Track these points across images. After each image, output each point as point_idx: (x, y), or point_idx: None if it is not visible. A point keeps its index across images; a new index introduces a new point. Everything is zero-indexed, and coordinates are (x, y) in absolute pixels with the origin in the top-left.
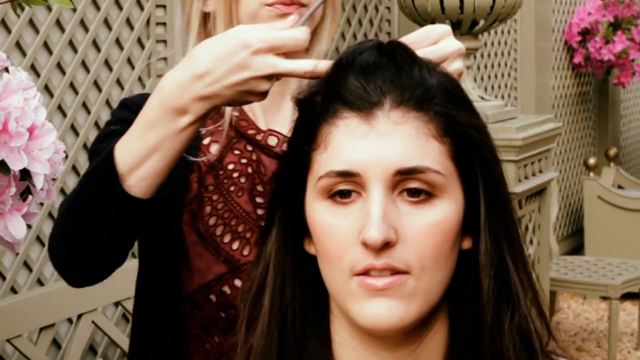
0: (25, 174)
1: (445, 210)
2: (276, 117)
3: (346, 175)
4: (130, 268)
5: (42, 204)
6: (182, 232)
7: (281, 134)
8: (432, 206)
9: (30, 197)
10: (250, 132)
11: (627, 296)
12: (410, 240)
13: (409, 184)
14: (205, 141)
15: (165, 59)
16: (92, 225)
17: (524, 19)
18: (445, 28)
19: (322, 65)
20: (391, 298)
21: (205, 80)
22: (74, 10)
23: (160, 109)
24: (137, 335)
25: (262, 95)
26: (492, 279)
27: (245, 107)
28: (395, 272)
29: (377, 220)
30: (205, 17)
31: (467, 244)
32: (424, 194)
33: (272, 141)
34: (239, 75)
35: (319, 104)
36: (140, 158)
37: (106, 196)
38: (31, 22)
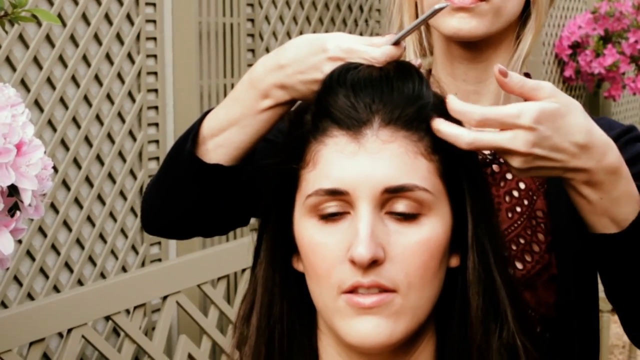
0: (13, 190)
1: (433, 229)
2: None
3: (335, 193)
4: (119, 283)
5: (31, 219)
6: None
7: None
8: (420, 224)
9: (18, 213)
10: None
11: None
12: (398, 258)
13: (397, 203)
14: None
15: (155, 73)
16: (174, 183)
17: None
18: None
19: (388, 50)
20: (378, 316)
21: (286, 71)
22: (64, 25)
23: (247, 86)
24: None
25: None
26: (480, 296)
27: None
28: (382, 290)
29: (365, 238)
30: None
31: (454, 261)
32: (411, 212)
33: None
34: (312, 75)
35: (309, 122)
36: (221, 127)
37: (183, 157)
38: (21, 38)
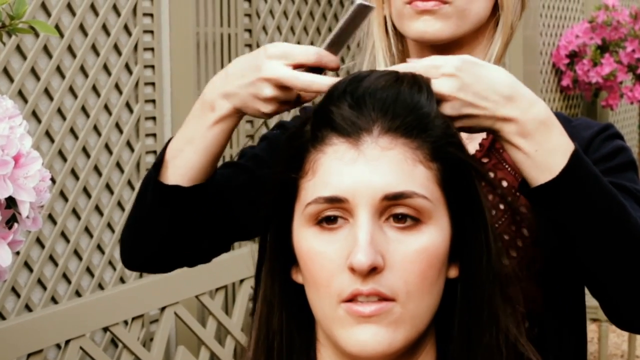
0: (11, 202)
1: (432, 237)
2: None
3: (334, 201)
4: (117, 294)
5: (29, 231)
6: None
7: None
8: (419, 232)
9: (16, 225)
10: None
11: None
12: (397, 266)
13: (396, 210)
14: None
15: (153, 83)
16: (144, 212)
17: (511, 42)
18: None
19: (321, 82)
20: (378, 325)
21: (229, 79)
22: (62, 36)
23: (199, 104)
24: None
25: (266, 102)
26: (480, 307)
27: None
28: (381, 298)
29: (364, 246)
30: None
31: (453, 272)
32: (410, 220)
33: None
34: (251, 75)
35: (308, 132)
36: (178, 148)
37: (150, 185)
38: (18, 48)
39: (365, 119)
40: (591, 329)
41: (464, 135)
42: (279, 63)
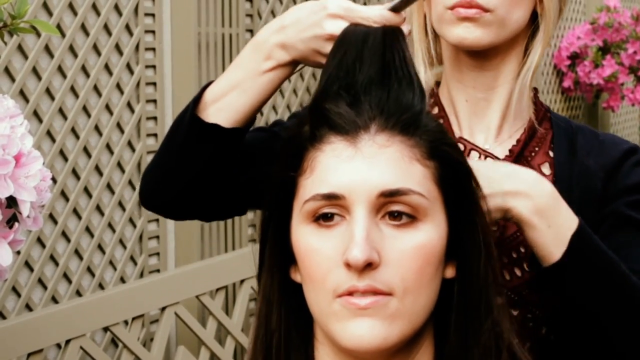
0: (12, 202)
1: (429, 234)
2: (480, 125)
3: (331, 197)
4: (118, 294)
5: (30, 230)
6: None
7: (473, 144)
8: (416, 229)
9: (17, 224)
10: None
11: None
12: (393, 262)
13: (393, 207)
14: None
15: (154, 83)
16: (175, 149)
17: None
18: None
19: (386, 14)
20: (374, 318)
21: (287, 31)
22: (63, 36)
23: (250, 50)
24: None
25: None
26: (477, 307)
27: (450, 111)
28: (378, 294)
29: (360, 241)
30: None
31: (450, 272)
32: (406, 217)
33: (474, 156)
34: (311, 32)
35: (307, 131)
36: (223, 92)
37: (184, 124)
38: (20, 48)
39: (362, 117)
40: None
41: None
42: (339, 21)
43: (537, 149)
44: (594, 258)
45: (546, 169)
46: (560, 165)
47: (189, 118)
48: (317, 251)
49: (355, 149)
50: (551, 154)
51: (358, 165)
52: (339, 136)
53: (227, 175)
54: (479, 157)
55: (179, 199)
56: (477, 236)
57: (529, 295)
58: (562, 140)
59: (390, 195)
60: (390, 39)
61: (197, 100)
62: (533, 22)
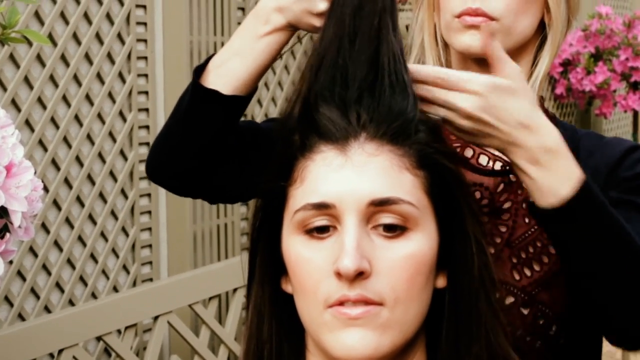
0: (3, 212)
1: (419, 243)
2: None
3: (322, 207)
4: (110, 303)
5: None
6: None
7: (482, 147)
8: (406, 239)
9: (8, 234)
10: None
11: None
12: (384, 272)
13: (383, 217)
14: None
15: (146, 92)
16: (180, 117)
17: None
18: (486, 83)
19: None
20: (365, 328)
21: None
22: (55, 45)
23: (251, 17)
24: None
25: (320, 17)
26: (468, 317)
27: None
28: (369, 303)
29: (351, 251)
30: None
31: (441, 282)
32: (397, 227)
33: (482, 160)
34: None
35: (297, 140)
36: (223, 59)
37: (189, 89)
38: (12, 57)
39: (352, 126)
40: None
41: None
42: None
43: None
44: (596, 213)
45: None
46: None
47: (192, 86)
48: (308, 261)
49: (345, 157)
50: None
51: (348, 174)
52: (329, 145)
53: (233, 151)
54: (488, 161)
55: (186, 171)
56: (469, 246)
57: (539, 294)
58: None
59: (380, 205)
60: (384, 24)
61: (202, 68)
62: (542, 32)
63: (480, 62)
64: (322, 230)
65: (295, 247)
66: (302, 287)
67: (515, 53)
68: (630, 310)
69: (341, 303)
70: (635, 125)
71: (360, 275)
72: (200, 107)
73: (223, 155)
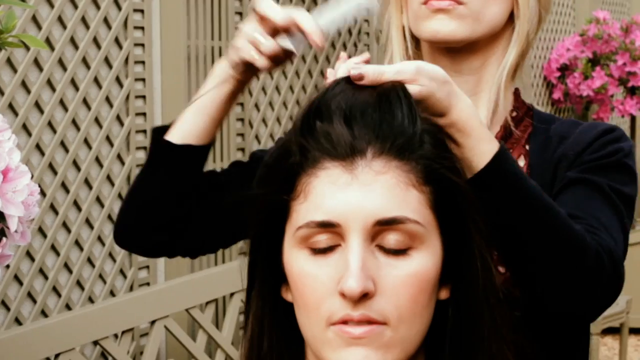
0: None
1: (423, 262)
2: None
3: (326, 225)
4: (107, 308)
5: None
6: None
7: None
8: (411, 258)
9: (4, 239)
10: None
11: (608, 331)
12: (388, 291)
13: (388, 235)
14: None
15: (143, 96)
16: (142, 172)
17: None
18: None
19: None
20: (368, 347)
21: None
22: (52, 49)
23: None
24: None
25: (235, 52)
26: (472, 330)
27: None
28: (372, 323)
29: (356, 271)
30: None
31: (444, 294)
32: (403, 247)
33: None
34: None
35: (299, 153)
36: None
37: (151, 146)
38: (9, 61)
39: (358, 142)
40: None
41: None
42: (254, 24)
43: (510, 150)
44: (508, 182)
45: (521, 161)
46: (535, 154)
47: (150, 140)
48: (311, 277)
49: (351, 175)
50: (527, 147)
51: (354, 193)
52: (334, 162)
53: (200, 205)
54: None
55: (154, 233)
56: (474, 262)
57: (513, 292)
58: (540, 134)
59: (386, 224)
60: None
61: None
62: (514, 25)
63: (451, 56)
64: (325, 249)
65: (298, 261)
66: (304, 302)
67: (487, 47)
68: (550, 282)
69: (344, 322)
70: (633, 130)
71: (364, 296)
72: (157, 161)
73: (190, 210)
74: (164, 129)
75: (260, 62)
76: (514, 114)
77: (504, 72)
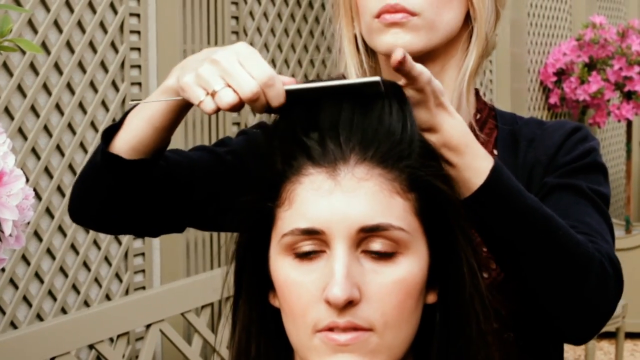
0: None
1: (409, 267)
2: None
3: (310, 232)
4: (103, 312)
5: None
6: None
7: None
8: (396, 263)
9: None
10: None
11: (604, 335)
12: (374, 298)
13: (373, 242)
14: None
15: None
16: (90, 170)
17: (499, 59)
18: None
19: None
20: (354, 354)
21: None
22: (48, 53)
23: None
24: None
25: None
26: (459, 334)
27: None
28: (358, 329)
29: (341, 279)
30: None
31: (432, 298)
32: (388, 253)
33: None
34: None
35: (283, 161)
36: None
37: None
38: (5, 65)
39: (341, 148)
40: (579, 348)
41: None
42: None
43: None
44: (509, 197)
45: None
46: (504, 161)
47: (100, 145)
48: (297, 285)
49: (334, 182)
50: (495, 152)
51: (337, 200)
52: (317, 168)
53: (146, 200)
54: None
55: (99, 218)
56: (460, 267)
57: (494, 297)
58: (506, 137)
59: (370, 231)
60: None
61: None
62: (470, 26)
63: None
64: (310, 254)
65: (284, 269)
66: (290, 309)
67: (445, 52)
68: (558, 298)
69: (330, 329)
70: (629, 135)
71: (350, 303)
72: (106, 170)
73: (136, 204)
74: (114, 129)
75: (209, 107)
76: (478, 116)
77: (465, 76)
